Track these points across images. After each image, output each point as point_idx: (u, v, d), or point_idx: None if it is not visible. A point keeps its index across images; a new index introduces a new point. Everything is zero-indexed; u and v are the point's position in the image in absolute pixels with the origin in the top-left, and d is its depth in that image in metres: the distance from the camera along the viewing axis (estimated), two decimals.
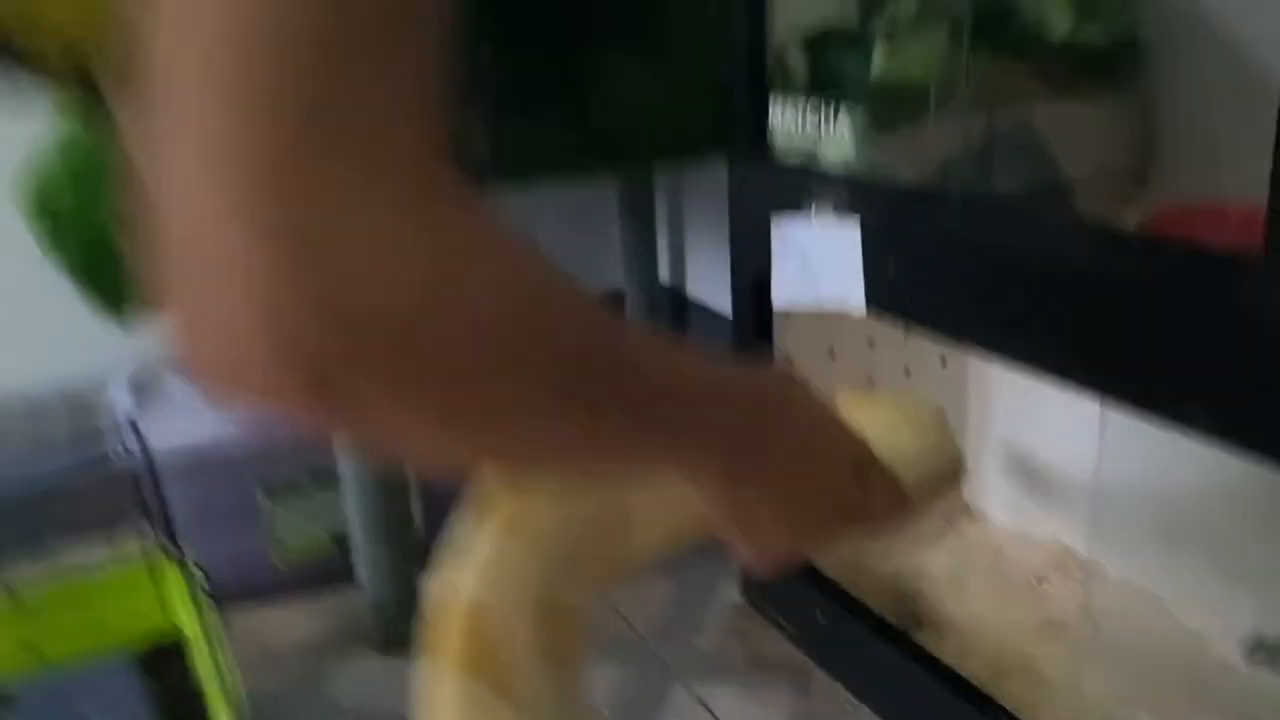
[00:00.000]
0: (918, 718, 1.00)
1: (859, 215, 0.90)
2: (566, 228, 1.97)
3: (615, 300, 2.00)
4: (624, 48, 1.05)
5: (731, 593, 1.24)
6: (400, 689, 1.11)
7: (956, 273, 0.82)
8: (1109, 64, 0.93)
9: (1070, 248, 0.73)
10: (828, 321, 1.16)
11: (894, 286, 0.88)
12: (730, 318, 1.83)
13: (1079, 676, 1.02)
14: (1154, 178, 0.95)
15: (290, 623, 1.25)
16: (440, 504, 1.27)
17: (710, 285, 1.92)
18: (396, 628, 1.18)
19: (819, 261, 0.95)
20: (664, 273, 2.03)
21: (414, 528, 1.18)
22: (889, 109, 0.94)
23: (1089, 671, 1.02)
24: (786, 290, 0.98)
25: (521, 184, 1.08)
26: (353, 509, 1.15)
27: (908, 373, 1.23)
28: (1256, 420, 0.60)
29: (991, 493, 1.27)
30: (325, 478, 1.26)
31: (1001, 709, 0.92)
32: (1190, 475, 0.93)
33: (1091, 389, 0.72)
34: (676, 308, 2.01)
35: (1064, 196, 0.90)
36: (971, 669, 0.98)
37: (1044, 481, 1.20)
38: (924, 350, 1.23)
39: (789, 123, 1.00)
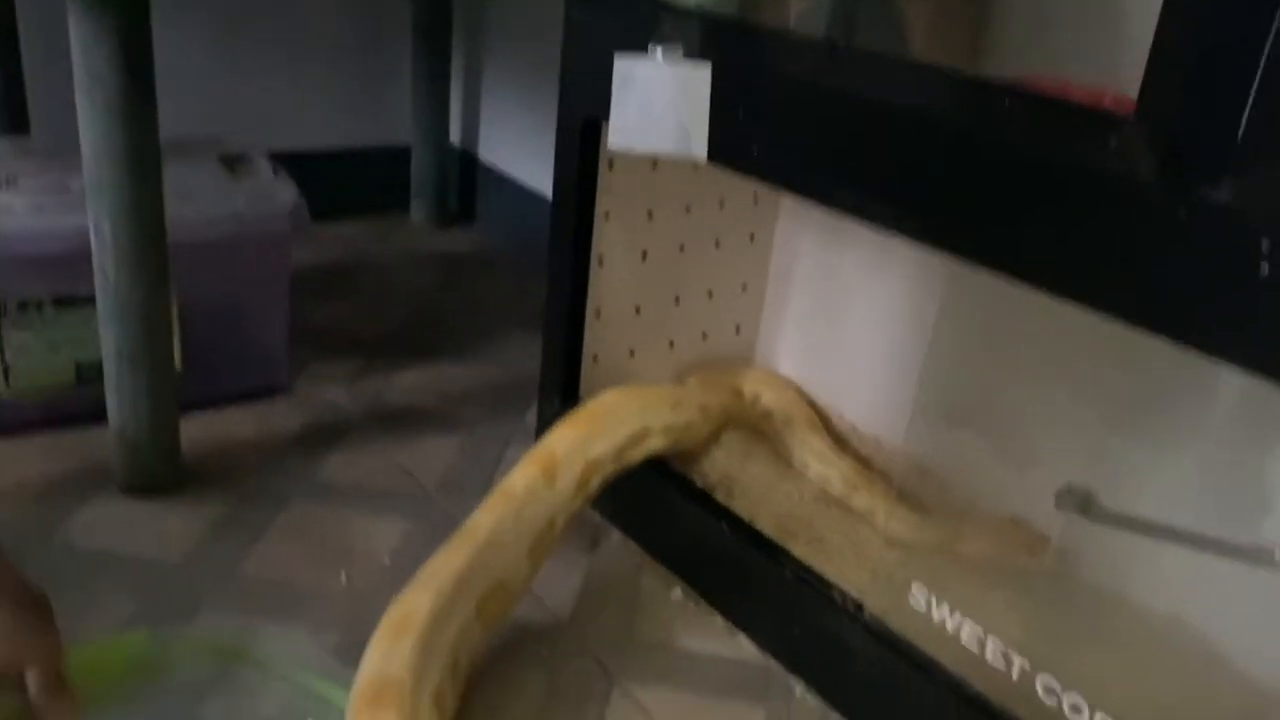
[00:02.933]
0: (709, 571, 1.01)
1: (710, 56, 0.86)
2: (357, 82, 1.84)
3: (402, 156, 1.89)
4: None
5: (518, 451, 1.20)
6: (148, 533, 1.02)
7: (810, 122, 0.80)
8: None
9: (927, 97, 0.72)
10: (648, 182, 1.13)
11: (741, 135, 0.86)
12: (520, 184, 1.79)
13: (862, 539, 1.07)
14: (992, 49, 0.97)
15: (22, 459, 1.10)
16: (200, 342, 1.16)
17: (503, 150, 1.85)
18: (146, 469, 1.07)
19: (663, 105, 0.91)
20: (455, 135, 1.93)
21: (172, 363, 1.07)
22: None
23: (870, 535, 1.07)
24: (623, 134, 0.93)
25: None
26: (106, 336, 1.02)
27: (718, 245, 1.23)
28: (1110, 278, 0.62)
29: (784, 362, 1.30)
30: (71, 300, 1.11)
31: (792, 559, 0.94)
32: (976, 352, 0.97)
33: (938, 241, 0.73)
34: (466, 170, 1.92)
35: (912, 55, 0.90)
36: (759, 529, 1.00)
37: (837, 363, 1.23)
38: (735, 224, 1.23)
39: None
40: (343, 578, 0.99)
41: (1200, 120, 0.58)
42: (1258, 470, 0.69)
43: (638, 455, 1.00)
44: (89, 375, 1.13)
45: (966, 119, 0.69)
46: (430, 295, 1.64)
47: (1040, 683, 0.75)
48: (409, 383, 1.36)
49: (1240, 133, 0.56)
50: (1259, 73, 0.54)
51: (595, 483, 0.96)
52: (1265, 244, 0.56)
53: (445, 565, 0.85)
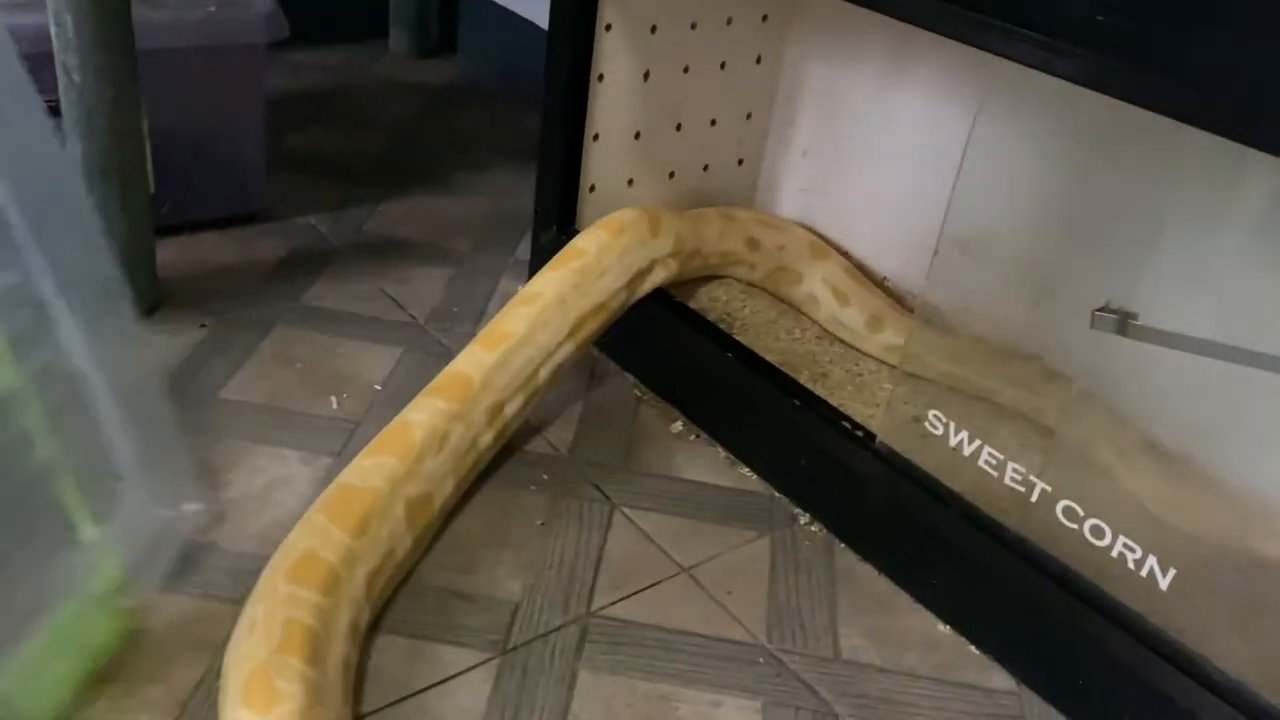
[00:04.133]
0: (711, 403, 0.98)
1: None
2: None
3: None
4: None
5: (513, 285, 1.16)
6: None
7: None
8: None
9: None
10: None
11: None
12: (506, 8, 1.69)
13: (867, 374, 1.04)
14: None
15: None
16: (173, 160, 1.09)
17: None
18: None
19: None
20: None
21: (144, 175, 1.00)
22: None
23: (876, 370, 1.04)
24: None
25: None
26: (73, 145, 0.94)
27: (723, 67, 1.15)
28: (1182, 66, 0.57)
29: (785, 204, 1.25)
30: None
31: (800, 388, 0.92)
32: (1027, 192, 0.93)
33: (983, 39, 0.67)
34: None
35: None
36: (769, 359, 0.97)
37: (846, 199, 1.18)
38: (742, 45, 1.16)
39: None
40: (333, 402, 0.95)
41: None
42: None
43: (636, 295, 0.97)
44: None
45: None
46: (413, 126, 1.56)
47: (1060, 507, 0.73)
48: (394, 213, 1.30)
49: None
50: None
51: (588, 330, 0.93)
52: None
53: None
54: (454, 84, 1.73)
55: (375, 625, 0.74)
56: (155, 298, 1.04)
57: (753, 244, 1.12)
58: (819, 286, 1.10)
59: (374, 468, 0.76)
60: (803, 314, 1.12)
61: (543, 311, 0.89)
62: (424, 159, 1.46)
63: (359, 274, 1.16)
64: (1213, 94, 0.56)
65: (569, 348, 0.90)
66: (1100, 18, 0.60)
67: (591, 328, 0.93)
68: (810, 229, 1.20)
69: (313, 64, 1.70)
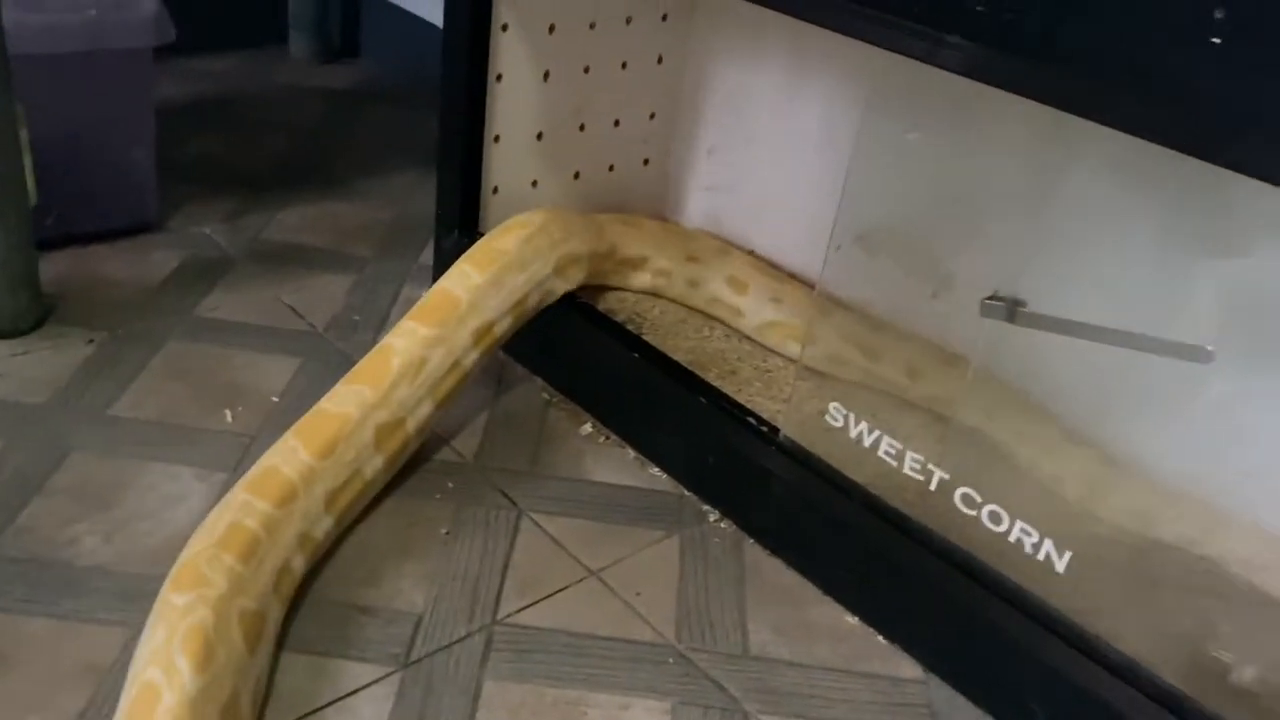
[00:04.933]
0: (619, 404, 0.98)
1: None
2: None
3: None
4: None
5: (416, 291, 1.14)
6: (8, 375, 0.93)
7: None
8: None
9: None
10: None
11: None
12: (407, 11, 1.66)
13: (774, 370, 1.04)
14: None
15: None
16: (57, 171, 1.05)
17: None
18: (2, 307, 0.97)
19: None
20: None
21: (22, 187, 0.96)
22: None
23: (783, 364, 1.05)
24: None
25: None
26: None
27: (624, 66, 1.15)
28: (1049, 53, 0.58)
29: (691, 204, 1.25)
30: None
31: (707, 386, 0.91)
32: (903, 179, 0.94)
33: (869, 32, 0.68)
34: (347, 2, 1.78)
35: None
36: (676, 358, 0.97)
37: (750, 196, 1.19)
38: (643, 44, 1.16)
39: None
40: (228, 416, 0.92)
41: None
42: (1182, 272, 0.67)
43: (540, 304, 0.96)
44: None
45: None
46: (313, 131, 1.52)
47: (959, 494, 0.74)
48: (293, 221, 1.27)
49: None
50: None
51: (492, 337, 0.91)
52: (1218, 12, 0.52)
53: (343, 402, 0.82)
54: (356, 88, 1.70)
55: (278, 642, 0.71)
56: (40, 313, 1.00)
57: (656, 254, 1.11)
58: (722, 288, 1.10)
59: (349, 394, 0.82)
60: (710, 316, 1.12)
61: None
62: (325, 164, 1.43)
63: (256, 283, 1.13)
64: (1082, 77, 0.57)
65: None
66: (980, 8, 0.61)
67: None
68: (718, 227, 1.21)
69: (209, 71, 1.66)
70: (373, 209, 1.32)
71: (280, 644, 0.72)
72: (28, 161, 0.98)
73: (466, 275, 0.91)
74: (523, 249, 0.94)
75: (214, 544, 0.69)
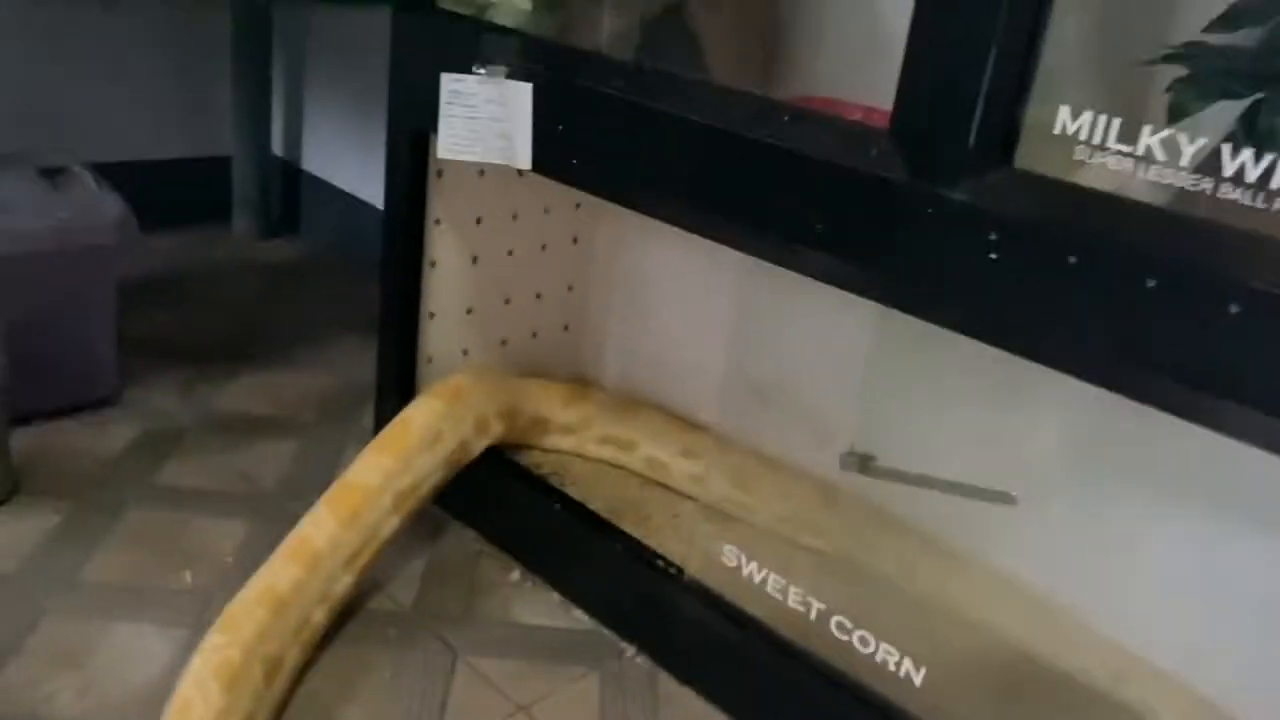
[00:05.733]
0: (545, 552, 1.09)
1: (531, 77, 0.94)
2: (176, 93, 1.83)
3: (222, 166, 1.88)
4: None
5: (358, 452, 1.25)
6: None
7: (620, 136, 0.89)
8: None
9: (721, 114, 0.82)
10: (476, 190, 1.20)
11: (561, 147, 0.94)
12: (344, 191, 1.82)
13: (683, 514, 1.16)
14: (777, 74, 1.09)
15: None
16: (26, 355, 1.15)
17: (326, 158, 1.87)
18: None
19: (488, 119, 0.98)
20: (277, 145, 1.94)
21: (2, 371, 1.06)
22: None
23: (691, 509, 1.17)
24: (452, 144, 1.00)
25: None
26: None
27: (544, 249, 1.30)
28: (876, 264, 0.73)
29: (608, 363, 1.39)
30: None
31: (622, 533, 1.03)
32: (795, 344, 1.08)
33: (735, 241, 0.83)
34: (289, 180, 1.93)
35: (709, 78, 1.00)
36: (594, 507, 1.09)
37: (655, 354, 1.33)
38: (560, 229, 1.31)
39: None
40: (187, 577, 1.01)
41: (940, 132, 0.69)
42: (1007, 426, 0.82)
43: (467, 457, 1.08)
44: None
45: (752, 132, 0.79)
46: (257, 304, 1.65)
47: (834, 622, 0.86)
48: (241, 390, 1.38)
49: (971, 143, 0.68)
50: (981, 95, 0.66)
51: (411, 505, 1.03)
52: (994, 235, 0.68)
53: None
54: (296, 262, 1.83)
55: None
56: (11, 486, 1.09)
57: (568, 411, 1.24)
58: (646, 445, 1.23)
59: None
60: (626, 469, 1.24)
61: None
62: (269, 336, 1.55)
63: (209, 451, 1.23)
64: (898, 281, 0.73)
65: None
66: (818, 226, 0.77)
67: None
68: (631, 383, 1.34)
69: (159, 249, 1.78)
70: (315, 376, 1.44)
71: None
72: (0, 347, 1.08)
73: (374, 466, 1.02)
74: (435, 422, 1.06)
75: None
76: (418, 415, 1.07)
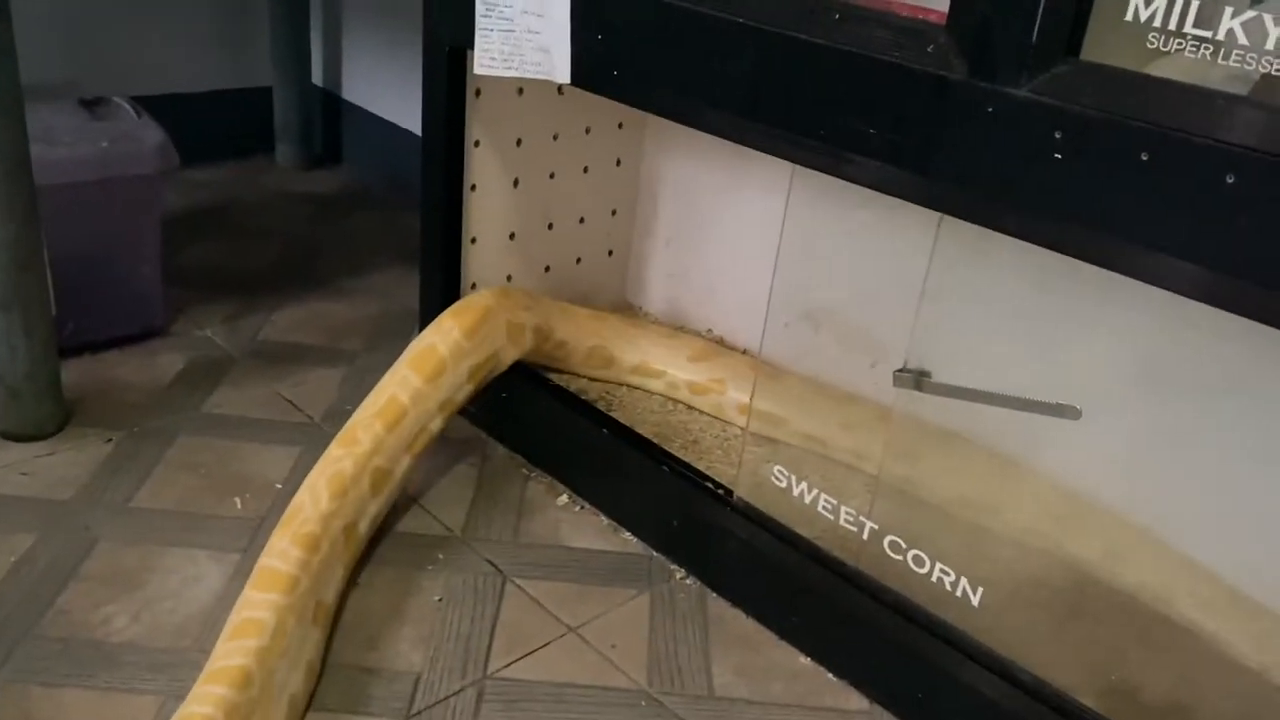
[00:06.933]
0: (592, 475, 1.08)
1: None
2: (214, 24, 1.81)
3: (264, 98, 1.87)
4: None
5: None
6: (37, 475, 1.02)
7: (663, 42, 0.86)
8: None
9: (768, 13, 0.78)
10: (515, 110, 1.17)
11: (600, 58, 0.91)
12: (385, 120, 1.79)
13: (731, 438, 1.15)
14: None
15: None
16: (74, 286, 1.16)
17: (366, 87, 1.85)
18: (29, 413, 1.07)
19: (525, 31, 0.95)
20: (317, 75, 1.92)
21: (48, 306, 1.07)
22: None
23: (738, 434, 1.15)
24: (489, 59, 0.97)
25: None
26: None
27: (586, 170, 1.27)
28: (933, 169, 0.70)
29: (652, 290, 1.37)
30: None
31: (670, 456, 1.02)
32: (847, 266, 1.05)
33: (784, 151, 0.80)
34: (329, 109, 1.91)
35: None
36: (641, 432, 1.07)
37: (702, 279, 1.31)
38: (602, 151, 1.28)
39: None
40: (237, 503, 1.02)
41: (1000, 24, 0.65)
42: (1069, 338, 0.79)
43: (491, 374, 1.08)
44: None
45: (801, 31, 0.75)
46: (302, 234, 1.64)
47: (887, 542, 0.84)
48: (287, 320, 1.38)
49: (1034, 35, 0.64)
50: None
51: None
52: (1059, 134, 0.64)
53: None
54: (340, 192, 1.82)
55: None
56: (63, 417, 1.10)
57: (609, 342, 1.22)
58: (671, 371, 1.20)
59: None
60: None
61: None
62: (314, 265, 1.54)
63: (256, 380, 1.23)
64: (956, 187, 0.69)
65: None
66: (871, 130, 0.73)
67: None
68: (678, 309, 1.32)
69: (203, 181, 1.78)
70: (360, 304, 1.43)
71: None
72: (49, 281, 1.08)
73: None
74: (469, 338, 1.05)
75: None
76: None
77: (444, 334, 1.03)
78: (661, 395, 1.20)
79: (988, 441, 0.84)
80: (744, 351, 1.27)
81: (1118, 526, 0.85)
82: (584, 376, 1.21)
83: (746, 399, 1.05)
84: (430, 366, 1.01)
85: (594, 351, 1.19)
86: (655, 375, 1.20)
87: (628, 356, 1.20)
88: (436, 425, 1.01)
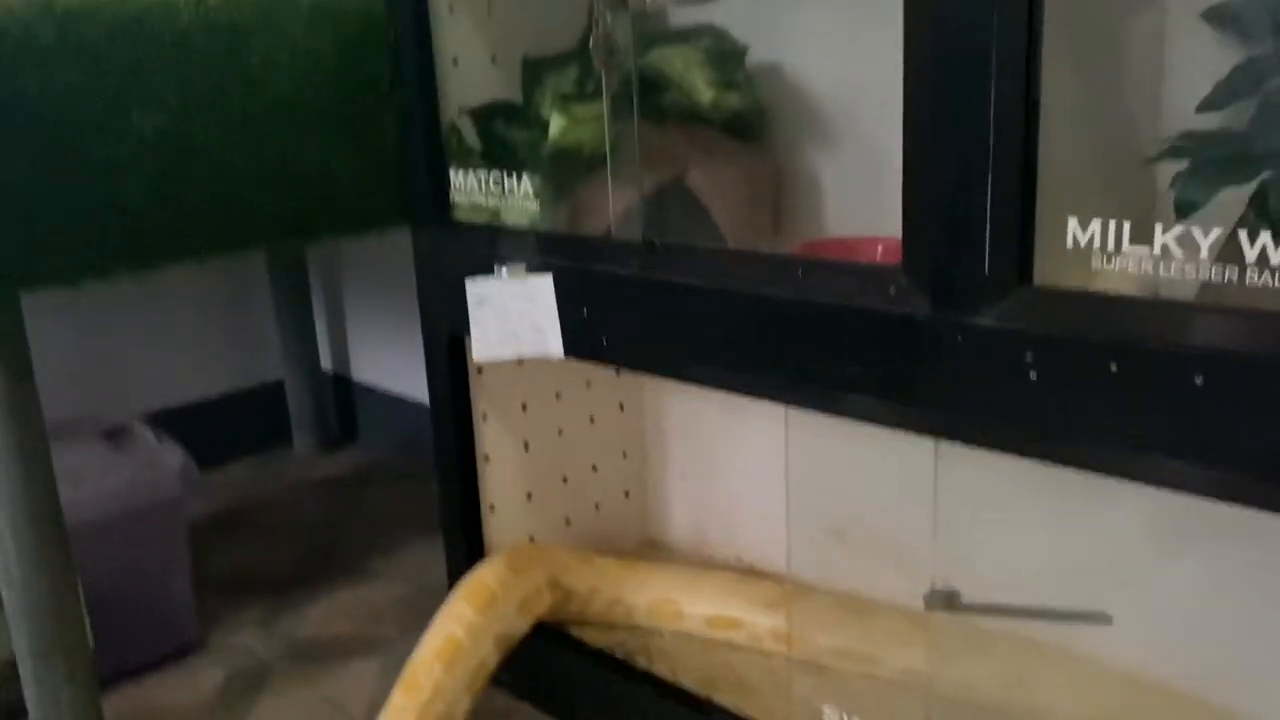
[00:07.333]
0: None
1: (549, 268, 0.96)
2: (219, 323, 1.90)
3: (277, 391, 1.94)
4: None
5: None
6: None
7: (643, 311, 0.91)
8: (744, 127, 1.07)
9: (737, 277, 0.83)
10: (517, 379, 1.22)
11: (588, 329, 0.95)
12: (395, 395, 1.85)
13: (784, 678, 1.13)
14: (785, 222, 1.10)
15: None
16: (108, 616, 1.17)
17: (375, 367, 1.92)
18: None
19: (516, 314, 1.00)
20: (326, 361, 2.00)
21: (87, 650, 1.08)
22: (564, 172, 1.02)
23: (786, 666, 1.13)
24: (485, 345, 1.02)
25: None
26: (18, 635, 1.03)
27: (592, 421, 1.31)
28: (915, 399, 0.73)
29: (676, 519, 1.37)
30: None
31: (719, 708, 1.00)
32: (860, 480, 1.07)
33: (771, 396, 0.83)
34: (341, 392, 1.98)
35: (718, 241, 1.02)
36: (686, 684, 1.06)
37: (720, 506, 1.32)
38: (604, 399, 1.32)
39: (470, 188, 1.05)
40: None
41: (953, 262, 0.69)
42: (1087, 546, 0.79)
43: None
44: (3, 674, 1.13)
45: (769, 289, 0.79)
46: (325, 522, 1.67)
47: None
48: (321, 613, 1.38)
49: (986, 268, 0.67)
50: (986, 219, 0.66)
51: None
52: (1030, 355, 0.67)
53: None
54: (359, 472, 1.86)
55: None
56: None
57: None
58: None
59: None
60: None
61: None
62: (341, 552, 1.56)
63: (297, 684, 1.22)
64: (941, 414, 0.71)
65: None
66: (852, 370, 0.76)
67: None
68: (704, 539, 1.33)
69: (225, 482, 1.82)
70: (389, 587, 1.44)
71: None
72: (86, 621, 1.10)
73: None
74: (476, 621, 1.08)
75: None
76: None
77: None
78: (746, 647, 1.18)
79: (1033, 632, 0.83)
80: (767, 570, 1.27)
81: (1193, 704, 0.83)
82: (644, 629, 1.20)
83: (826, 639, 1.04)
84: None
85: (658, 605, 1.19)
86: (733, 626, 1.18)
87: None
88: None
